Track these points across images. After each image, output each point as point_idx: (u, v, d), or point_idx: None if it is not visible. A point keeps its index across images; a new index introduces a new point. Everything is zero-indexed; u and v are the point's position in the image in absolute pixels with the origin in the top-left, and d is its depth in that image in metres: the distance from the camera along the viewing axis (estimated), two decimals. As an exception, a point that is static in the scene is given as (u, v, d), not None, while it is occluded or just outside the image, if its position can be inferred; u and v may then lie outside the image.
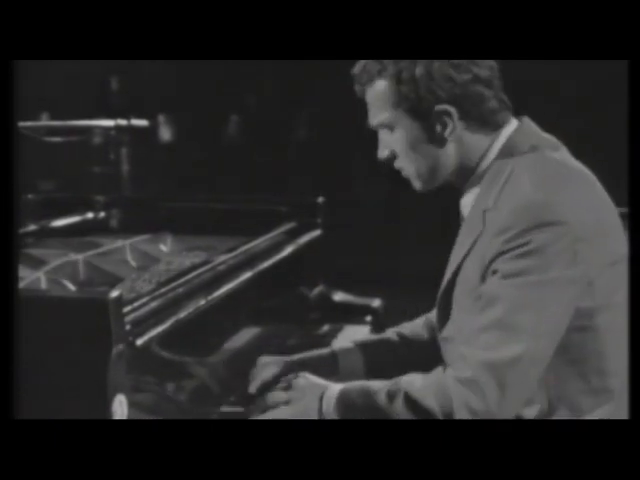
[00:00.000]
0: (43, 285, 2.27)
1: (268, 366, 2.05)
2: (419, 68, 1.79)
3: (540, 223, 1.71)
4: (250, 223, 2.89)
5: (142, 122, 3.61)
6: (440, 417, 1.72)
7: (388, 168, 1.90)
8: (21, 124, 3.07)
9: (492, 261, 1.75)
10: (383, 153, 1.89)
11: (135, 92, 3.86)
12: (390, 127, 1.86)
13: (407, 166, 1.88)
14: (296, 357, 2.08)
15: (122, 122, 3.46)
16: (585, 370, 1.77)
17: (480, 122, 1.83)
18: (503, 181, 1.80)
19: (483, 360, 1.70)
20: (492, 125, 1.84)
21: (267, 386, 1.99)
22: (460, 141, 1.84)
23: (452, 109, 1.81)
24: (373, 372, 2.03)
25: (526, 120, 1.89)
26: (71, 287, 2.27)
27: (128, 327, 1.79)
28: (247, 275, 2.44)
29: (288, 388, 1.90)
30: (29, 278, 2.25)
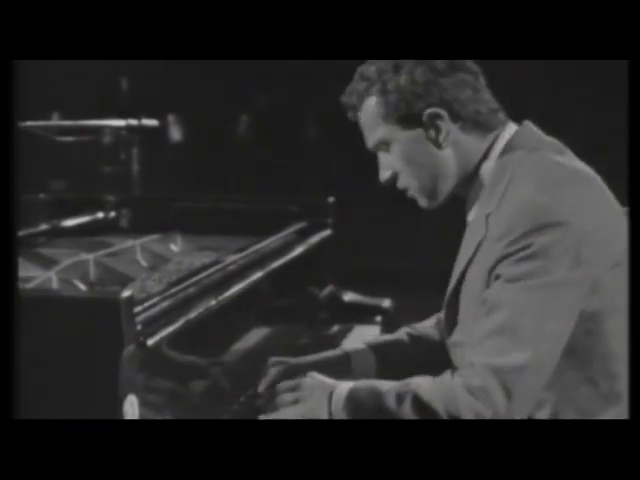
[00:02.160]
0: (54, 285, 2.27)
1: (278, 366, 2.05)
2: (403, 77, 1.80)
3: (541, 225, 1.70)
4: (260, 223, 2.89)
5: (153, 122, 3.62)
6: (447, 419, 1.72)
7: (393, 190, 1.90)
8: (32, 124, 3.09)
9: (495, 265, 1.74)
10: (385, 175, 1.90)
11: (146, 92, 3.87)
12: (386, 144, 1.86)
13: (410, 182, 1.88)
14: (308, 358, 2.08)
15: (133, 122, 3.47)
16: (593, 374, 1.76)
17: (472, 123, 1.83)
18: (505, 185, 1.79)
19: (490, 366, 1.70)
20: (485, 126, 1.84)
21: (276, 387, 1.99)
22: (457, 144, 1.83)
23: (442, 111, 1.80)
24: (385, 372, 2.02)
25: (527, 124, 1.88)
26: (82, 287, 2.28)
27: (139, 327, 1.79)
28: (257, 275, 2.44)
29: (296, 388, 1.90)
30: (40, 278, 2.26)
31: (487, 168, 1.84)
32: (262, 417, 1.94)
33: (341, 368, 2.06)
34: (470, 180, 1.86)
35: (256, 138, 4.68)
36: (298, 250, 2.77)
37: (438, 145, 1.82)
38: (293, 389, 1.91)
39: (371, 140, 1.89)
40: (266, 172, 4.52)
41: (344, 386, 1.84)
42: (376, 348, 2.10)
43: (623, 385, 1.76)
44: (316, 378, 1.90)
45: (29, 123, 3.12)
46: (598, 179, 1.85)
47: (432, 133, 1.82)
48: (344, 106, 1.89)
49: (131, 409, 1.72)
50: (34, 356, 1.68)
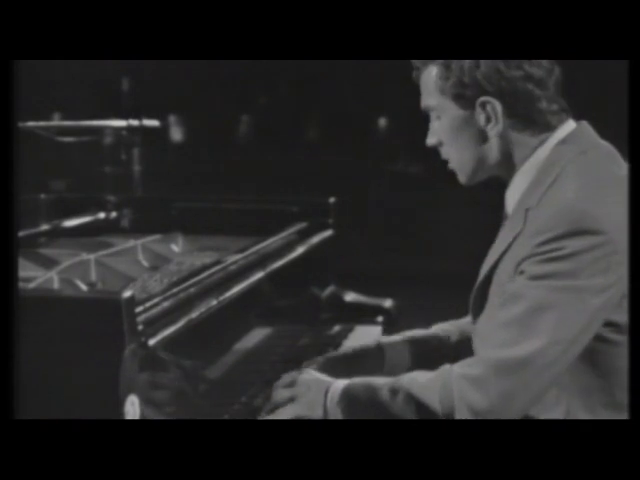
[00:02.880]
0: (55, 285, 2.27)
1: (308, 367, 2.03)
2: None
3: (578, 230, 1.69)
4: (261, 223, 2.89)
5: (154, 122, 3.63)
6: (440, 414, 1.72)
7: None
8: (33, 124, 3.09)
9: (522, 261, 1.74)
10: (431, 140, 1.90)
11: (147, 93, 3.87)
12: (438, 113, 1.86)
13: (452, 155, 1.88)
14: (342, 350, 2.12)
15: (134, 122, 3.47)
16: (611, 384, 1.76)
17: (528, 122, 1.82)
18: (549, 182, 1.78)
19: (495, 358, 1.70)
20: (542, 126, 1.82)
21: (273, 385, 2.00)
22: (505, 139, 1.83)
23: (496, 103, 1.80)
24: (418, 366, 2.01)
25: (584, 124, 1.87)
26: (83, 287, 2.28)
27: (140, 327, 1.79)
28: (258, 275, 2.44)
29: (293, 384, 1.91)
30: (41, 278, 2.26)
31: (534, 162, 1.83)
32: (260, 417, 1.95)
33: (374, 360, 2.08)
34: (513, 169, 1.85)
35: (257, 138, 4.68)
36: (299, 250, 2.77)
37: (484, 134, 1.83)
38: (290, 385, 1.91)
39: (423, 103, 1.89)
40: (267, 172, 4.52)
41: (340, 382, 1.85)
42: (411, 342, 2.11)
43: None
44: (312, 374, 1.91)
45: (30, 123, 3.12)
46: None
47: (482, 121, 1.82)
48: (411, 65, 1.90)
49: (132, 409, 1.72)
50: (35, 356, 1.69)
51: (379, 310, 3.01)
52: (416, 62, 1.88)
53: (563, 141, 1.82)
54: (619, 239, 1.70)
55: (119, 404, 1.69)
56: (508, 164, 1.85)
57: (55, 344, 1.71)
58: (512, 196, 1.87)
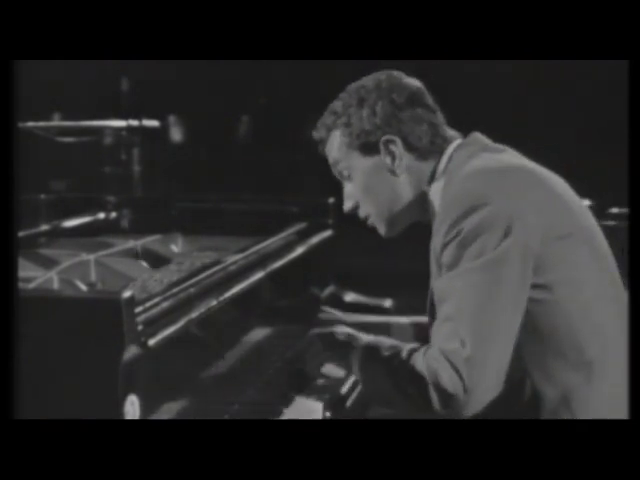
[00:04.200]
0: (55, 285, 2.28)
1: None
2: (365, 110, 1.94)
3: (467, 209, 1.76)
4: (261, 223, 2.90)
5: (153, 123, 3.63)
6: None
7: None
8: (33, 124, 3.10)
9: (439, 256, 1.81)
10: (348, 205, 2.02)
11: (147, 93, 3.87)
12: (348, 172, 1.99)
13: (370, 208, 1.99)
14: (353, 317, 2.28)
15: (133, 123, 3.48)
16: (559, 346, 1.78)
17: (426, 151, 1.94)
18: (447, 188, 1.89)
19: (443, 350, 1.72)
20: (436, 152, 1.95)
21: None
22: (410, 170, 1.95)
23: (396, 138, 1.93)
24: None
25: (474, 135, 1.96)
26: (83, 287, 2.28)
27: (140, 327, 1.80)
28: (258, 275, 2.45)
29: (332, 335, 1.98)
30: (41, 278, 2.27)
31: (436, 189, 1.93)
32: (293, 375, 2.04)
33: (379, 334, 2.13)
34: (425, 205, 1.96)
35: (257, 138, 4.67)
36: (299, 251, 2.77)
37: (393, 172, 1.95)
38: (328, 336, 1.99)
39: (336, 170, 2.02)
40: (267, 172, 4.52)
41: (365, 339, 1.93)
42: (418, 325, 2.24)
43: (590, 354, 1.78)
44: (345, 330, 1.98)
45: (30, 123, 3.13)
46: (539, 171, 1.89)
47: (388, 160, 1.95)
48: (315, 140, 2.03)
49: (132, 409, 1.73)
50: (34, 356, 1.69)
51: (379, 310, 3.01)
52: (318, 133, 2.02)
53: (451, 157, 1.93)
54: (508, 205, 1.76)
55: (119, 404, 1.70)
56: (419, 197, 1.96)
57: (55, 344, 1.71)
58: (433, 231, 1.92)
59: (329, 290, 3.00)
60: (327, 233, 2.99)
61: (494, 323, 1.73)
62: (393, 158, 1.94)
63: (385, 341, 1.88)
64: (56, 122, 3.50)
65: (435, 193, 1.94)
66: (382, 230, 2.01)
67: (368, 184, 1.97)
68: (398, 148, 1.94)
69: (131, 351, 1.73)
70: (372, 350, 1.87)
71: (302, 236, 2.89)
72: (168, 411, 1.92)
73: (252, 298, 2.40)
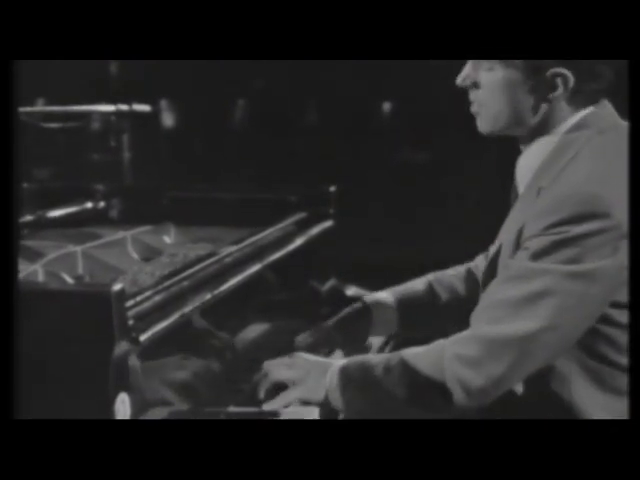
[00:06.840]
0: (40, 278, 2.28)
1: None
2: None
3: (585, 214, 1.73)
4: (258, 213, 2.90)
5: (144, 107, 3.62)
6: (432, 390, 1.77)
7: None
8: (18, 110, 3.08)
9: (528, 239, 1.78)
10: (464, 81, 1.94)
11: (137, 76, 3.87)
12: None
13: (489, 104, 1.91)
14: (330, 320, 2.27)
15: (123, 107, 3.47)
16: (612, 367, 1.81)
17: (580, 99, 1.88)
18: (565, 162, 1.84)
19: (487, 337, 1.75)
20: (585, 103, 1.89)
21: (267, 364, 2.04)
22: (555, 108, 1.88)
23: (570, 75, 1.86)
24: (407, 322, 2.23)
25: (604, 103, 1.93)
26: (70, 280, 2.28)
27: (131, 322, 1.80)
28: (255, 268, 2.45)
29: (291, 366, 1.96)
30: (26, 271, 2.26)
31: (556, 135, 1.89)
32: (264, 406, 1.97)
33: (363, 322, 2.24)
34: (538, 136, 1.91)
35: (253, 124, 4.67)
36: (298, 242, 2.77)
37: (542, 98, 1.87)
38: (288, 366, 1.97)
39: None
40: (264, 160, 4.52)
41: (337, 363, 1.92)
42: (398, 300, 2.27)
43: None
44: (310, 359, 1.97)
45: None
46: None
47: (544, 86, 1.86)
48: None
49: (123, 407, 1.73)
50: (19, 353, 1.68)
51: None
52: None
53: (582, 120, 1.88)
54: (624, 222, 1.74)
55: (109, 402, 1.70)
56: (539, 131, 1.90)
57: (40, 340, 1.71)
58: (524, 173, 1.92)
59: (330, 283, 3.00)
60: (328, 223, 2.99)
61: (559, 330, 1.75)
62: (553, 89, 1.87)
63: (355, 359, 1.91)
64: (40, 107, 3.49)
65: (549, 144, 1.89)
66: (484, 127, 1.95)
67: (508, 88, 1.88)
68: (567, 85, 1.87)
69: (121, 347, 1.73)
70: (355, 370, 1.88)
71: (301, 226, 2.89)
72: (160, 410, 1.92)
73: (249, 292, 2.40)
